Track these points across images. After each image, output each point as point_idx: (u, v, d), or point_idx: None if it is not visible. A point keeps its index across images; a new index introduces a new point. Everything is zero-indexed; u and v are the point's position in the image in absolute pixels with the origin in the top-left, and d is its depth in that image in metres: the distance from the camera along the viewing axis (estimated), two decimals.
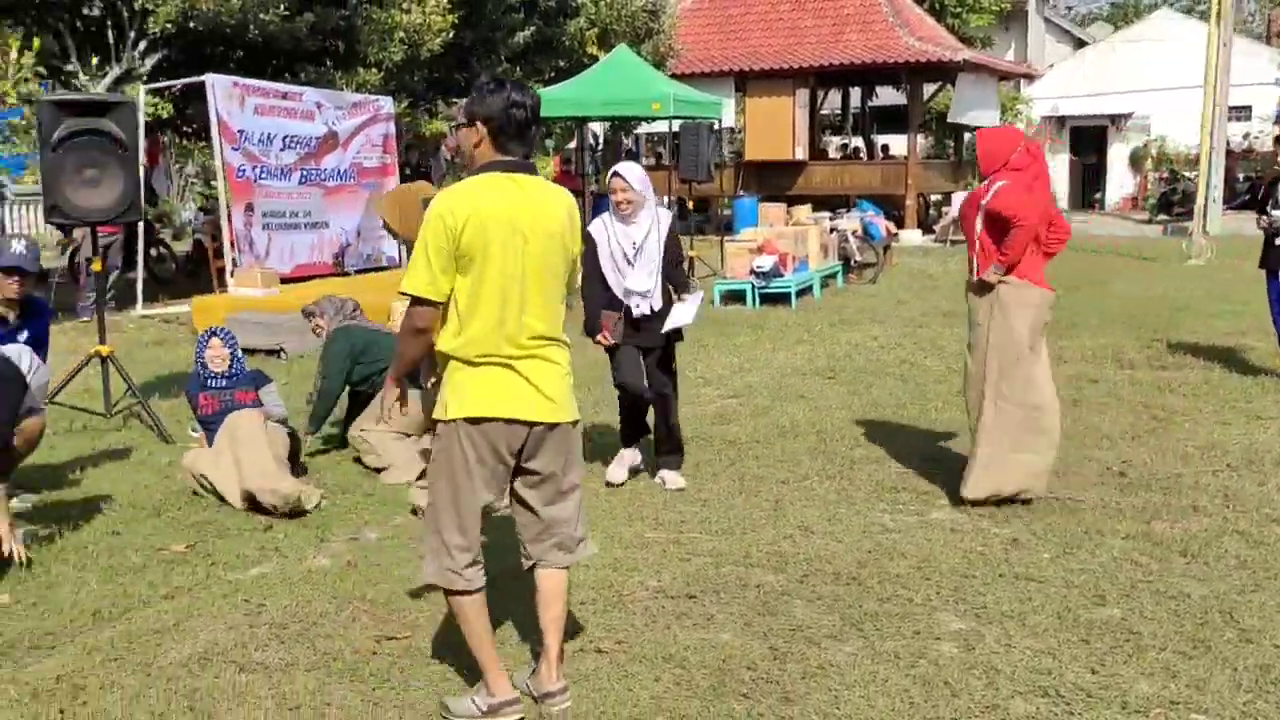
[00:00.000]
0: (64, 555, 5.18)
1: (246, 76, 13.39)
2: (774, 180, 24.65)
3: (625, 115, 19.07)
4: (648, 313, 6.14)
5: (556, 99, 16.97)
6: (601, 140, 29.50)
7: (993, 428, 5.64)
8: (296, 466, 6.46)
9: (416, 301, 3.47)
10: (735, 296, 14.05)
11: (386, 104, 14.75)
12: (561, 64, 19.91)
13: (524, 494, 3.69)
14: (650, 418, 6.42)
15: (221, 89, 12.10)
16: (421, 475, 5.83)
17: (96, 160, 7.23)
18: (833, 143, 33.18)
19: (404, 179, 18.04)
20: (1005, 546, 5.17)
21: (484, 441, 3.49)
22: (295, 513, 5.68)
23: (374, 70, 15.13)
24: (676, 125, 18.12)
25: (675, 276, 6.26)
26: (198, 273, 15.48)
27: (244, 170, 12.25)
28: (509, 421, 3.50)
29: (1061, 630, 4.25)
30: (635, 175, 6.03)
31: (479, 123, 3.51)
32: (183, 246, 18.63)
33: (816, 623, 4.36)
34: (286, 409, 6.60)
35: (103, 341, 7.65)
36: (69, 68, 13.33)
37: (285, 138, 13.03)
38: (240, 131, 12.27)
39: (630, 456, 6.37)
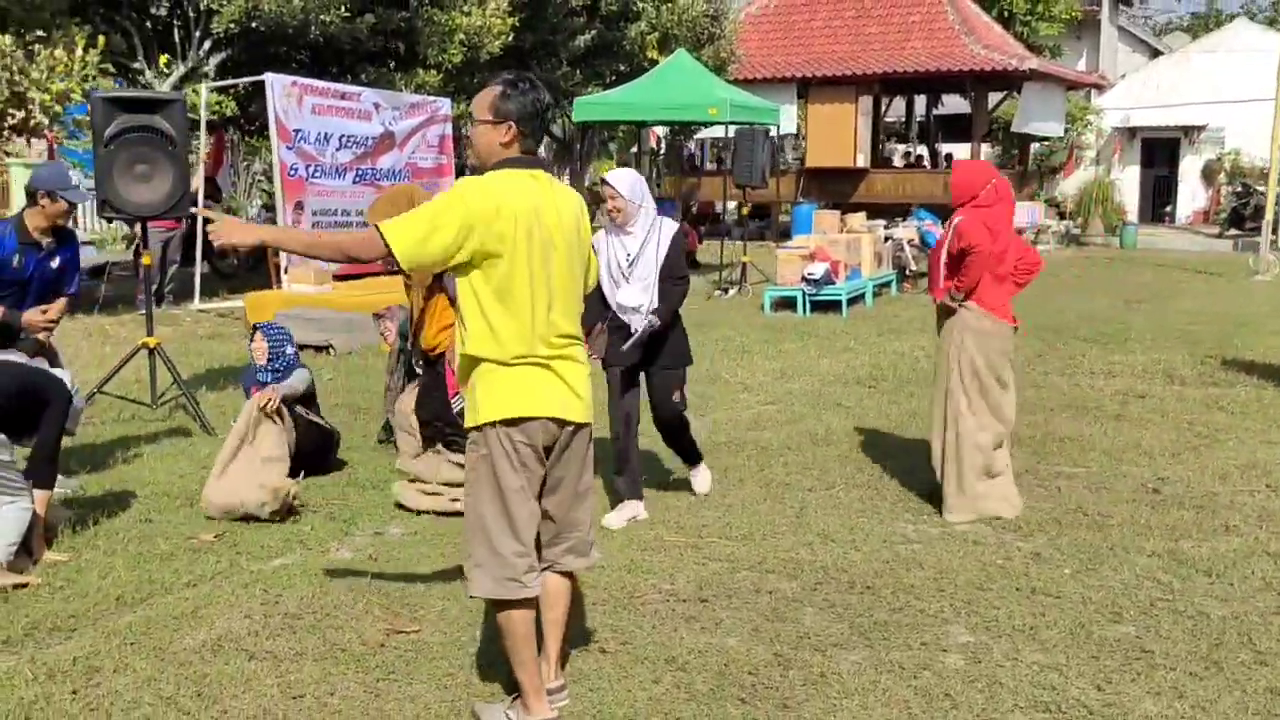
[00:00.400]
0: (95, 541, 5.31)
1: (309, 76, 13.61)
2: (835, 187, 24.54)
3: (682, 120, 19.11)
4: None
5: (614, 103, 17.06)
6: (664, 145, 29.55)
7: (955, 454, 5.77)
8: (330, 460, 6.56)
9: (390, 250, 3.31)
10: (786, 303, 14.02)
11: (444, 105, 14.89)
12: (621, 68, 19.98)
13: (542, 498, 3.59)
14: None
15: (280, 88, 12.30)
16: (415, 479, 5.92)
17: (147, 156, 7.39)
18: (897, 151, 32.95)
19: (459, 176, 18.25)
20: (1027, 560, 5.11)
21: (524, 441, 3.43)
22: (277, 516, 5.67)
23: (433, 72, 15.29)
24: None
25: (665, 293, 5.68)
26: (259, 269, 15.76)
27: (296, 168, 12.43)
28: (549, 420, 3.46)
29: (1072, 646, 4.20)
30: (625, 182, 5.58)
31: (511, 121, 3.46)
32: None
33: (824, 630, 4.34)
34: (320, 404, 6.72)
35: (150, 333, 7.81)
36: (136, 65, 13.63)
37: (342, 137, 13.21)
38: (296, 130, 12.46)
39: (631, 508, 5.79)
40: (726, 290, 15.54)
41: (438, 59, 15.30)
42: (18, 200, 17.49)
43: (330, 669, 3.98)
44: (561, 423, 3.49)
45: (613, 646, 4.18)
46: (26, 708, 3.66)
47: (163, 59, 13.69)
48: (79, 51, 10.55)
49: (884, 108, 28.80)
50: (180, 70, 13.72)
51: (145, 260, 7.95)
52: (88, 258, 15.44)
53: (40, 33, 10.42)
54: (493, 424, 3.41)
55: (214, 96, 13.67)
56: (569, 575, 3.75)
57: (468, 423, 3.49)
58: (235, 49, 14.01)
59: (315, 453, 6.38)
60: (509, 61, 17.91)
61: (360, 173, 13.67)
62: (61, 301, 6.08)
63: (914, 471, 6.58)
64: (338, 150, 13.24)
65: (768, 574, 4.95)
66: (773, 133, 16.88)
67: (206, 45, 13.82)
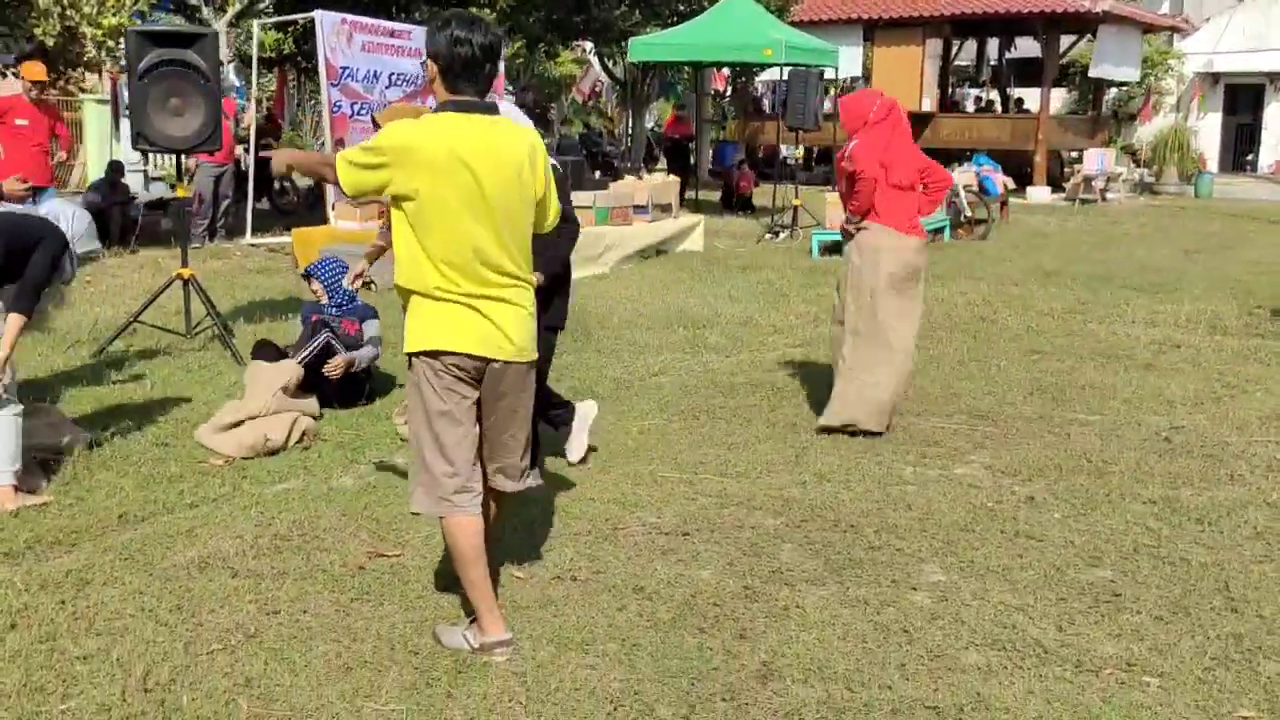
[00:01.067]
0: (110, 462, 5.50)
1: (363, 14, 13.68)
2: None
3: (736, 61, 18.93)
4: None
5: (668, 43, 16.95)
6: (730, 88, 29.32)
7: (852, 363, 6.09)
8: (357, 402, 6.64)
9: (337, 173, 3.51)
10: (834, 248, 13.90)
11: None
12: (681, 8, 19.82)
13: (481, 421, 3.71)
14: None
15: (330, 25, 12.39)
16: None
17: (180, 90, 7.53)
18: (969, 96, 32.34)
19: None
20: (1019, 504, 5.10)
21: (446, 372, 3.56)
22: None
23: (487, 11, 15.29)
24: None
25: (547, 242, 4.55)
26: (317, 206, 15.98)
27: (340, 105, 12.54)
28: (468, 356, 3.55)
29: (1043, 588, 4.20)
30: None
31: (430, 59, 3.54)
32: (307, 180, 19.20)
33: (799, 566, 4.39)
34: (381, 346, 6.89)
35: (185, 265, 8.00)
36: (193, 2, 13.81)
37: (392, 74, 13.27)
38: (343, 68, 12.55)
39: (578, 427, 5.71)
40: (777, 234, 15.46)
41: None
42: (92, 136, 17.89)
43: (308, 588, 4.11)
44: (485, 359, 3.57)
45: (584, 575, 4.26)
46: (13, 615, 3.83)
47: None
48: None
49: (954, 51, 28.21)
50: (237, 7, 13.86)
51: (180, 192, 8.13)
52: (154, 193, 15.80)
53: None
54: (418, 353, 3.56)
55: (271, 34, 13.84)
56: (498, 497, 3.90)
57: (405, 349, 3.63)
58: None
59: (343, 393, 6.50)
60: (559, 3, 17.88)
61: None
62: None
63: (926, 415, 6.57)
64: (387, 88, 13.30)
65: (754, 510, 5.00)
66: (829, 75, 16.69)
67: None
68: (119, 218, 13.60)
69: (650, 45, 16.96)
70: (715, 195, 20.72)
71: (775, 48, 15.75)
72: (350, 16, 12.89)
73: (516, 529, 4.65)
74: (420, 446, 3.64)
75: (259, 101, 17.98)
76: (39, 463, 5.29)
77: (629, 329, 9.00)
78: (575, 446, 5.63)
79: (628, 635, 3.79)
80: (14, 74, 7.09)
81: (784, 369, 7.70)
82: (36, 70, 9.57)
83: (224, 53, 14.00)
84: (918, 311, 6.22)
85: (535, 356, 3.73)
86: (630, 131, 22.77)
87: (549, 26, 18.31)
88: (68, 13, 10.19)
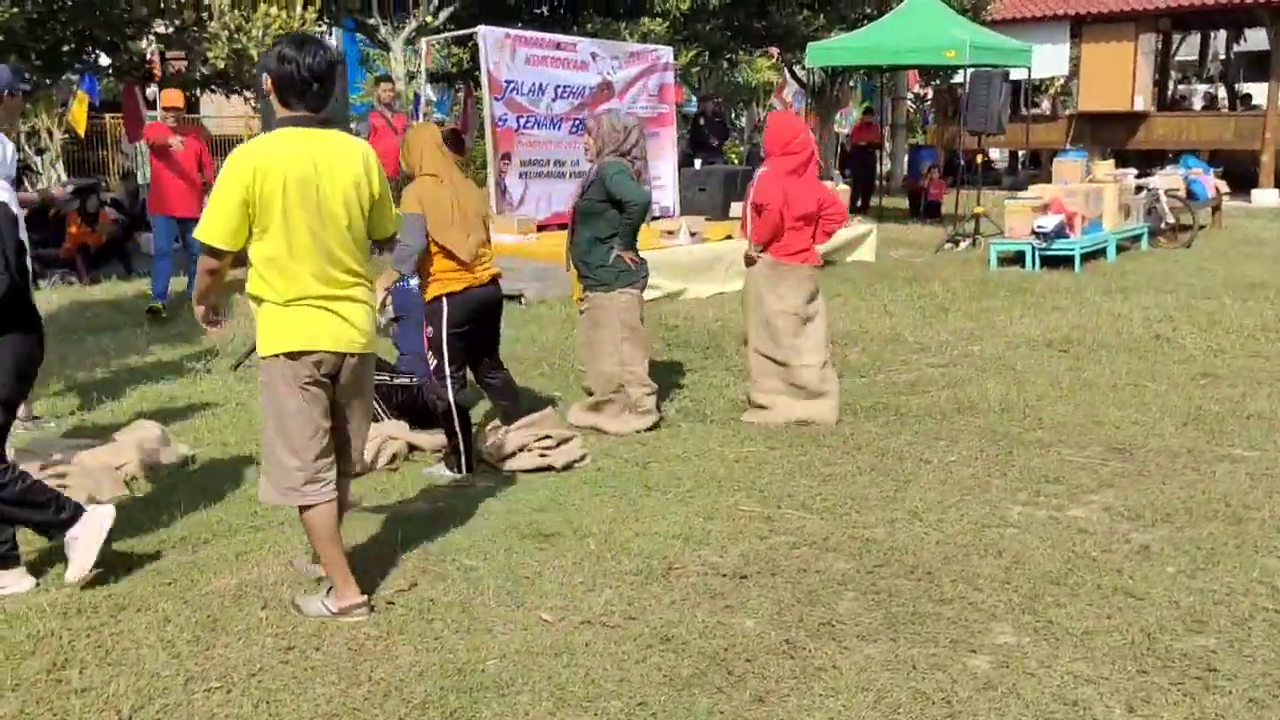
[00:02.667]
0: (197, 479, 5.57)
1: (535, 26, 13.78)
2: (1110, 133, 22.93)
3: (916, 64, 18.21)
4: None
5: (846, 47, 16.47)
6: (930, 90, 28.40)
7: (757, 375, 6.61)
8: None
9: (217, 251, 3.81)
10: (1014, 258, 13.17)
11: (666, 54, 14.74)
12: (869, 10, 19.22)
13: (333, 418, 4.06)
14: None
15: (492, 40, 12.48)
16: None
17: None
18: (1196, 92, 30.38)
19: (694, 130, 18.10)
20: (1129, 555, 4.55)
21: (304, 371, 3.86)
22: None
23: (659, 20, 15.17)
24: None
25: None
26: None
27: (505, 119, 12.60)
28: (326, 353, 3.88)
29: (1125, 658, 3.70)
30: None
31: (265, 75, 3.83)
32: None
33: (854, 619, 4.01)
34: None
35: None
36: (371, 22, 14.18)
37: (558, 87, 13.29)
38: (508, 82, 12.63)
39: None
40: (957, 243, 14.75)
41: (664, 6, 15.16)
42: None
43: (330, 623, 3.99)
44: (341, 354, 3.92)
45: (615, 621, 4.00)
46: (36, 642, 3.84)
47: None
48: (298, 9, 11.04)
49: (1175, 45, 26.51)
50: (412, 24, 14.16)
51: None
52: None
53: None
54: (275, 355, 3.85)
55: (452, 50, 14.09)
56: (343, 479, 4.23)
57: (258, 353, 3.93)
58: (464, 1, 14.34)
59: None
60: (748, 6, 17.59)
61: (577, 123, 13.71)
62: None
63: (1056, 446, 6.02)
64: (553, 101, 13.34)
65: (827, 551, 4.63)
66: (1015, 75, 15.86)
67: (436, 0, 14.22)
68: None
69: (828, 50, 16.49)
70: (904, 202, 20.05)
71: (959, 48, 15.03)
72: (514, 31, 12.98)
73: (564, 567, 4.44)
74: (271, 443, 3.96)
75: (440, 122, 18.43)
76: (126, 482, 5.40)
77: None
78: (75, 565, 4.31)
79: (637, 692, 3.51)
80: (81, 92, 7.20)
81: (914, 392, 7.23)
82: (172, 98, 9.84)
83: (399, 70, 14.34)
84: (821, 324, 6.66)
85: (378, 345, 4.17)
86: (820, 138, 22.27)
87: (731, 34, 18.04)
88: (236, 36, 10.59)
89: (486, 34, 12.51)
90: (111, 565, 4.52)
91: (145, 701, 3.47)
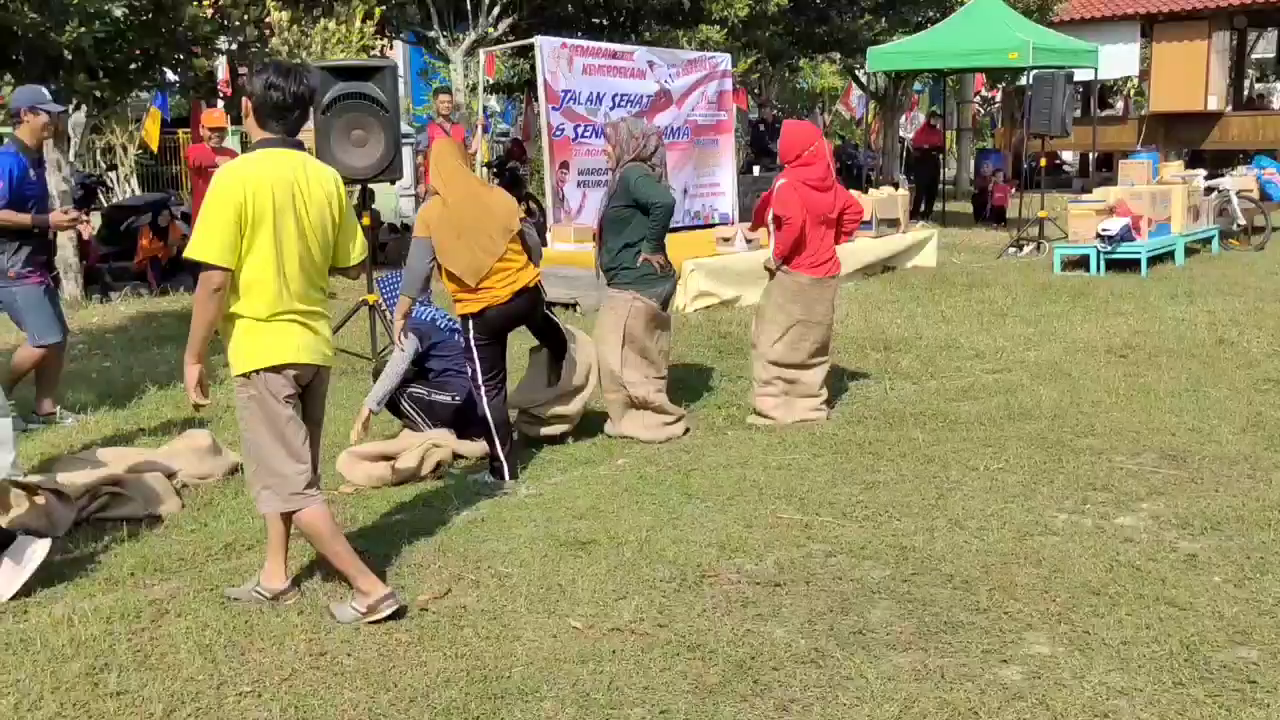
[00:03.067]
0: (240, 486, 5.64)
1: (593, 36, 13.84)
2: (1182, 134, 22.49)
3: (978, 67, 17.99)
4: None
5: (908, 51, 16.34)
6: (999, 93, 28.06)
7: (765, 382, 6.68)
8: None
9: (208, 267, 3.86)
10: (1078, 263, 12.96)
11: (724, 61, 14.72)
12: (932, 13, 19.05)
13: None
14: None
15: (549, 50, 12.56)
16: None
17: (361, 122, 7.75)
18: (1276, 90, 29.71)
19: (755, 137, 18.06)
20: (1174, 564, 4.45)
21: (286, 383, 4.02)
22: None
23: (716, 27, 15.16)
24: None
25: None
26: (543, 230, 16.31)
27: (562, 129, 12.67)
28: (305, 365, 4.06)
29: (1162, 670, 3.62)
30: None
31: (246, 99, 3.98)
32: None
33: (885, 628, 3.97)
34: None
35: (371, 290, 8.22)
36: (431, 34, 14.35)
37: (615, 96, 13.33)
38: (565, 91, 12.69)
39: None
40: (1020, 247, 14.54)
41: (723, 13, 15.15)
42: None
43: (362, 628, 4.03)
44: (315, 367, 4.12)
45: (645, 628, 3.99)
46: (79, 646, 3.93)
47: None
48: (357, 23, 11.21)
49: (1251, 42, 25.93)
50: (471, 36, 14.30)
51: (364, 221, 8.33)
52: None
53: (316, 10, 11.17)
54: (259, 370, 3.98)
55: (506, 60, 14.20)
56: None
57: (235, 370, 4.04)
58: (523, 13, 14.45)
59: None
60: (809, 12, 17.53)
61: None
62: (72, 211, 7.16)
63: (1107, 454, 5.91)
64: (611, 110, 13.37)
65: (864, 560, 4.58)
66: (1082, 76, 15.60)
67: (495, 11, 14.33)
68: (368, 238, 14.30)
69: (889, 54, 16.36)
70: (969, 207, 19.82)
71: (1022, 50, 14.84)
72: (571, 41, 13.05)
73: (598, 574, 4.45)
74: (265, 454, 4.04)
75: (505, 132, 18.58)
76: (175, 490, 5.51)
77: None
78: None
79: (661, 700, 3.50)
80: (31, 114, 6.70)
81: (965, 399, 7.14)
82: (215, 118, 9.94)
83: (459, 80, 14.48)
84: (824, 331, 6.76)
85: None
86: (883, 143, 22.12)
87: (792, 40, 17.98)
88: (295, 51, 10.77)
89: (543, 44, 12.59)
90: (160, 568, 4.63)
91: (178, 705, 3.53)
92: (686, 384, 7.71)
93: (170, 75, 11.65)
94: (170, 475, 5.57)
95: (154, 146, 18.22)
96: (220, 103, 14.56)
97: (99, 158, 19.85)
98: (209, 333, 4.01)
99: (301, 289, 4.02)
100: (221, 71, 17.35)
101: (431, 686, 3.62)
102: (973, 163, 24.26)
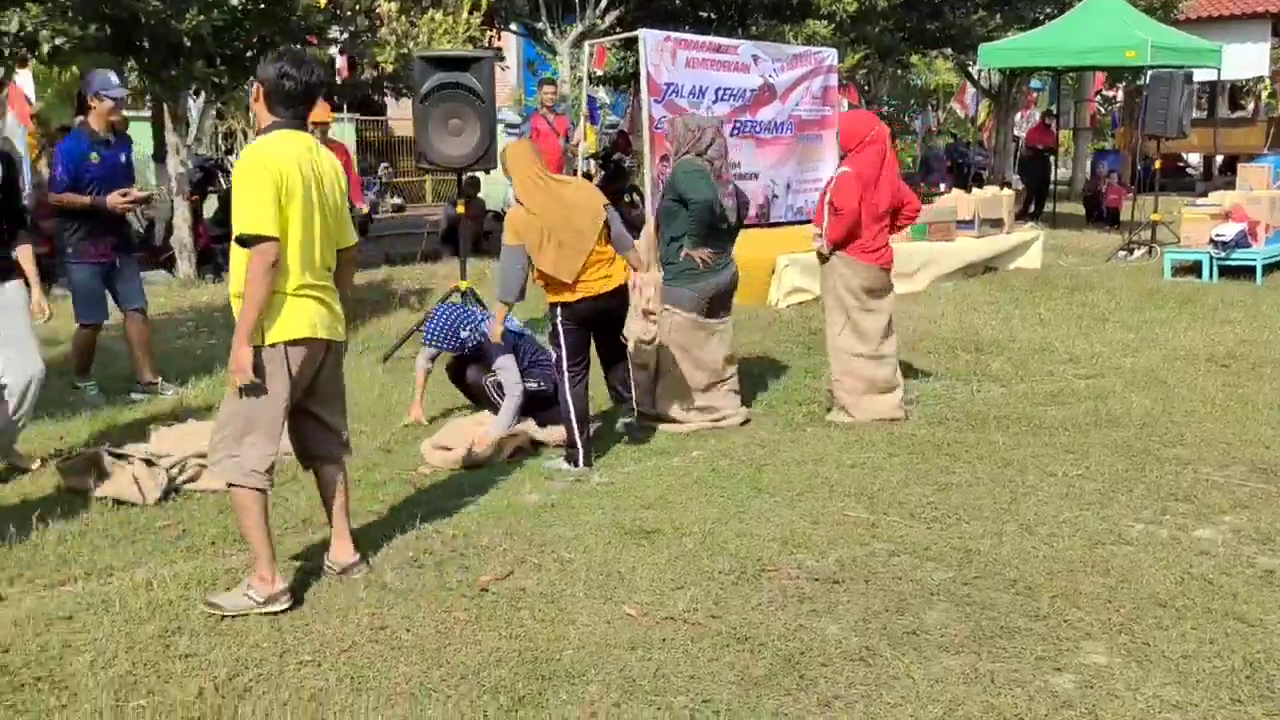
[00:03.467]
0: None
1: (699, 30, 13.85)
2: None
3: (1094, 65, 17.53)
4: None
5: (1021, 48, 16.02)
6: (1120, 92, 27.33)
7: (841, 374, 6.67)
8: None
9: (260, 240, 3.92)
10: (1190, 268, 12.58)
11: (830, 56, 14.56)
12: (1049, 9, 18.64)
13: (312, 407, 4.31)
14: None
15: (653, 43, 12.56)
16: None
17: (459, 111, 7.89)
18: None
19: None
20: (1250, 579, 4.34)
21: (302, 360, 4.08)
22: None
23: (824, 22, 15.05)
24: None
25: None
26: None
27: (662, 122, 12.69)
28: (322, 340, 4.15)
29: (1221, 685, 3.53)
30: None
31: (259, 85, 4.12)
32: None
33: (940, 630, 3.94)
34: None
35: (463, 277, 8.38)
36: (539, 26, 14.50)
37: (719, 90, 13.29)
38: (668, 84, 12.70)
39: None
40: (1131, 251, 14.17)
41: (831, 8, 15.03)
42: None
43: (423, 605, 4.14)
44: (331, 343, 4.21)
45: (698, 619, 4.03)
46: (155, 610, 4.11)
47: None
48: (464, 14, 11.39)
49: None
50: (578, 28, 14.42)
51: (459, 209, 8.50)
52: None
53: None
54: (275, 344, 4.02)
55: (616, 53, 14.31)
56: (339, 464, 4.44)
57: (255, 341, 4.01)
58: (630, 5, 14.52)
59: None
60: (922, 8, 17.28)
61: (738, 125, 13.72)
62: (136, 191, 7.17)
63: (1194, 465, 5.76)
64: (714, 103, 13.34)
65: (927, 561, 4.55)
66: (1201, 76, 15.12)
67: (603, 3, 14.42)
68: (472, 228, 14.58)
69: (1002, 50, 16.05)
70: (1083, 209, 19.36)
71: (1140, 48, 14.45)
72: (675, 34, 13.06)
73: (658, 564, 4.50)
74: (246, 426, 4.05)
75: (614, 124, 18.68)
76: None
77: (908, 352, 8.50)
78: None
79: (704, 689, 3.54)
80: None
81: (1054, 403, 7.01)
82: (318, 111, 9.48)
83: (566, 72, 14.62)
84: (885, 317, 6.74)
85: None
86: (996, 141, 21.71)
87: (903, 36, 17.75)
88: (403, 40, 10.99)
89: (647, 37, 12.60)
90: (240, 539, 4.79)
91: (241, 669, 3.67)
92: (769, 379, 7.72)
93: None
94: None
95: None
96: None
97: (220, 142, 20.46)
98: (261, 310, 4.00)
99: (321, 265, 4.15)
100: (340, 60, 17.75)
101: (483, 665, 3.70)
102: (1089, 163, 23.69)
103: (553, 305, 5.80)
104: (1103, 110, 30.08)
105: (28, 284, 5.77)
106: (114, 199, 6.92)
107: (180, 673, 3.65)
